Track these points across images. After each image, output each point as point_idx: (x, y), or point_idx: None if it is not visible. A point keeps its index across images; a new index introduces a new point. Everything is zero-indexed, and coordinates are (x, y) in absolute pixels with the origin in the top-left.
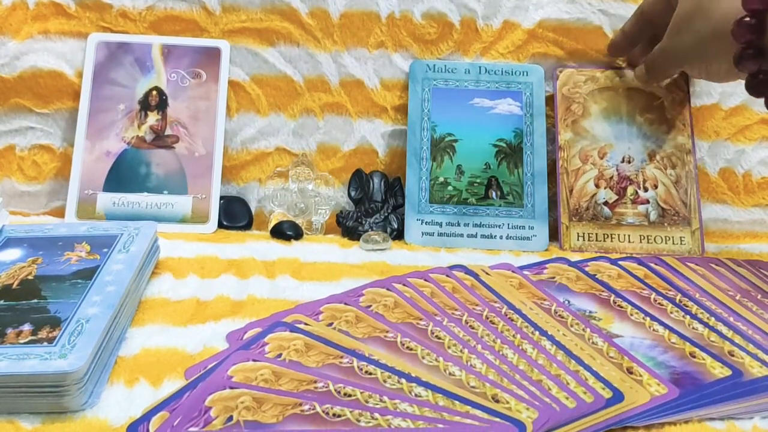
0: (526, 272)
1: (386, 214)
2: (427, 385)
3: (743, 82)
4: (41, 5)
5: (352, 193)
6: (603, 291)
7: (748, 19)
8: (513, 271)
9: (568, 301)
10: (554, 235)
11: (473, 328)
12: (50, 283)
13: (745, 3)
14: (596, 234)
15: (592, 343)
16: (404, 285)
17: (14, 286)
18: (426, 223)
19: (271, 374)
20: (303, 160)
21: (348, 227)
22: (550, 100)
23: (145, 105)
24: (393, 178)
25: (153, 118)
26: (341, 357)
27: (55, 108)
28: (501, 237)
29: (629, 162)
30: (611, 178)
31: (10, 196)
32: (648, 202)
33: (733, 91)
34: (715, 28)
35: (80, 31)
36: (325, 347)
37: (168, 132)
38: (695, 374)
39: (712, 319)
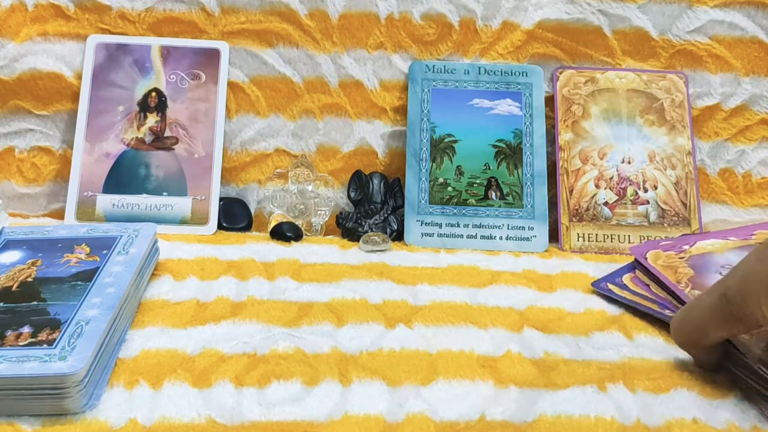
0: None
1: (386, 215)
2: None
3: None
4: (40, 7)
5: (352, 194)
6: None
7: None
8: None
9: None
10: (554, 235)
11: None
12: (50, 285)
13: None
14: (596, 234)
15: None
16: None
17: (14, 288)
18: (426, 224)
19: None
20: (302, 162)
21: (348, 228)
22: (549, 101)
23: (144, 106)
24: (393, 179)
25: (152, 119)
26: None
27: (54, 110)
28: (501, 238)
29: (629, 163)
30: (611, 178)
31: (10, 198)
32: (648, 202)
33: (734, 92)
34: None
35: (79, 33)
36: None
37: (167, 133)
38: None
39: None
